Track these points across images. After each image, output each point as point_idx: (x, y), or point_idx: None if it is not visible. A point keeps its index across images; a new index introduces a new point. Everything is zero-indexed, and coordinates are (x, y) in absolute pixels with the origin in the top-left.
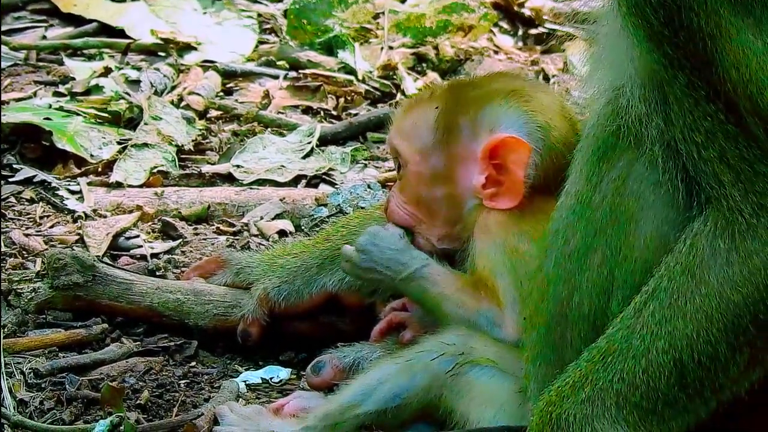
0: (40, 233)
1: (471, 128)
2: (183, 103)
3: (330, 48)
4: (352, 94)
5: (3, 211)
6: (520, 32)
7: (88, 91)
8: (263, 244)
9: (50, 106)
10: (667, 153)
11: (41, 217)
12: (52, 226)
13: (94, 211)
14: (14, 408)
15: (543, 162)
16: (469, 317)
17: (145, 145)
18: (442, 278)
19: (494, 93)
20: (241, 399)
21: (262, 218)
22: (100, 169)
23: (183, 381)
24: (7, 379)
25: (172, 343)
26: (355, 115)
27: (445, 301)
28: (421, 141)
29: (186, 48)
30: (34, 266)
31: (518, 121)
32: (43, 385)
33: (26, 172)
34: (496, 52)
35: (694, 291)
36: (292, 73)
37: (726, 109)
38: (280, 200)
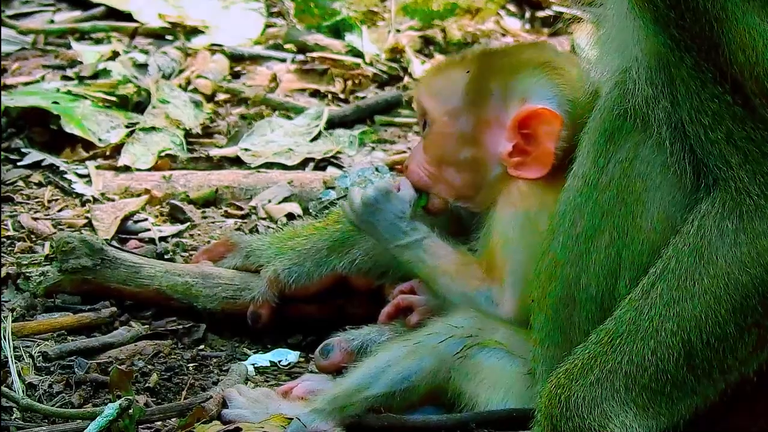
0: (48, 217)
1: (501, 95)
2: (191, 87)
3: (337, 31)
4: (360, 77)
5: (11, 195)
6: (527, 15)
7: (95, 75)
8: (271, 227)
9: (58, 90)
10: (674, 135)
11: (49, 201)
12: (60, 210)
13: (103, 194)
14: (23, 391)
15: (569, 136)
16: (465, 293)
17: (153, 128)
18: (441, 252)
19: (526, 62)
20: (249, 382)
21: (270, 201)
22: (108, 153)
23: (192, 364)
24: (16, 363)
25: (181, 327)
26: (363, 98)
27: (442, 275)
28: (450, 102)
29: (193, 31)
30: (43, 250)
31: (550, 92)
32: (51, 369)
33: (34, 156)
34: (503, 35)
35: (702, 272)
36: (300, 57)
37: (733, 91)
38: (288, 183)
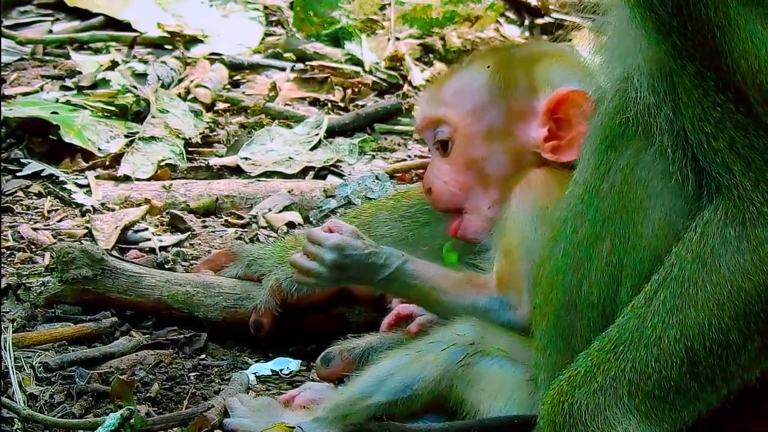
0: (48, 227)
1: (528, 84)
2: (190, 96)
3: (337, 39)
4: (359, 85)
5: (11, 205)
6: (527, 22)
7: (95, 85)
8: (272, 236)
9: (57, 100)
10: (676, 143)
11: (49, 211)
12: (60, 220)
13: (102, 204)
14: (24, 402)
15: None
16: (475, 303)
17: (153, 138)
18: (429, 271)
19: (542, 53)
20: (251, 391)
21: (270, 210)
22: (107, 163)
23: (193, 373)
24: (17, 373)
25: (182, 336)
26: (363, 106)
27: (442, 293)
28: (473, 101)
29: (192, 41)
30: (43, 260)
31: (574, 77)
32: (52, 379)
33: (34, 166)
34: (502, 42)
35: (705, 279)
36: (299, 65)
37: (735, 99)
38: (289, 192)
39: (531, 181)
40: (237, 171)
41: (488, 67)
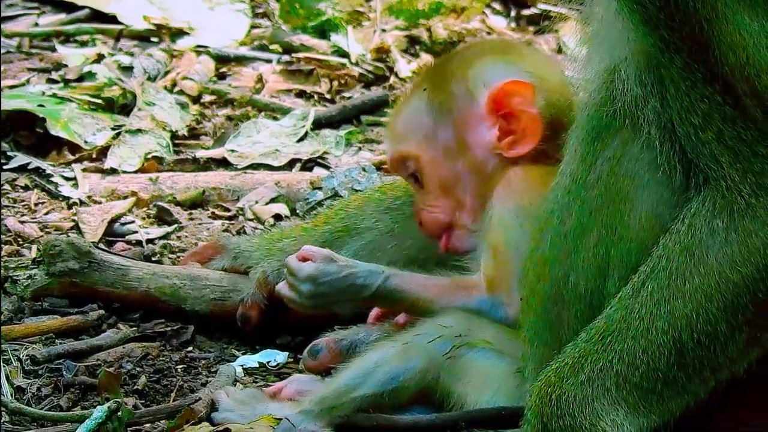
0: (35, 220)
1: (465, 91)
2: (176, 89)
3: (323, 31)
4: (346, 77)
5: None
6: (513, 13)
7: (81, 78)
8: (259, 229)
9: (43, 93)
10: (663, 134)
11: (36, 204)
12: (47, 213)
13: (89, 197)
14: (11, 395)
15: (547, 102)
16: (464, 306)
17: (139, 130)
18: (414, 282)
19: (474, 56)
20: (238, 383)
21: (257, 202)
22: (94, 156)
23: (180, 366)
24: (4, 366)
25: (169, 329)
26: (349, 98)
27: (430, 303)
28: (422, 128)
29: (178, 33)
30: (30, 253)
31: (507, 69)
32: (40, 372)
33: (20, 159)
34: (488, 34)
35: (693, 271)
36: (285, 57)
37: (723, 91)
38: (275, 184)
39: (511, 180)
40: (224, 163)
41: (424, 90)
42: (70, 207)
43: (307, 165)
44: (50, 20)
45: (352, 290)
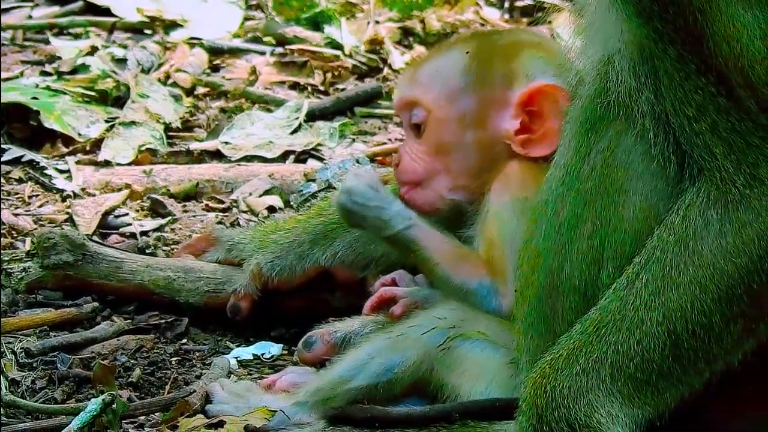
0: (29, 213)
1: (505, 74)
2: (170, 81)
3: (316, 23)
4: (339, 69)
5: None
6: (507, 4)
7: (74, 70)
8: (252, 221)
9: (37, 86)
10: (657, 125)
11: (30, 197)
12: (41, 206)
13: (83, 189)
14: (6, 388)
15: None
16: (464, 284)
17: (133, 123)
18: (433, 239)
19: (523, 43)
20: (232, 375)
21: (251, 194)
22: (88, 148)
23: (174, 358)
24: None
25: (163, 321)
26: (343, 90)
27: (439, 264)
28: (449, 86)
29: (172, 25)
30: (24, 246)
31: (552, 71)
32: (34, 365)
33: (14, 151)
34: (482, 25)
35: (688, 262)
36: (279, 49)
37: (717, 83)
38: (269, 176)
39: (509, 174)
40: (217, 155)
41: (467, 53)
42: (64, 199)
43: (301, 157)
44: (44, 13)
45: (376, 223)
